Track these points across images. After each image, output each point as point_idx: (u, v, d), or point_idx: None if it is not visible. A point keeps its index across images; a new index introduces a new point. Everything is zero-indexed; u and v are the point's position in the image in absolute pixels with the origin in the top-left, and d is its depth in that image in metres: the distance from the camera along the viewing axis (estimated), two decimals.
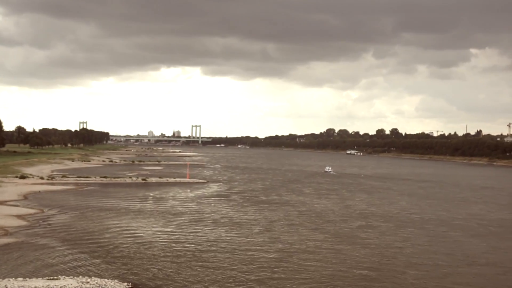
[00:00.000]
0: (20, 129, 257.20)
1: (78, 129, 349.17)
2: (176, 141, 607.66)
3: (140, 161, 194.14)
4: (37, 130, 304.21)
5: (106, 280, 33.98)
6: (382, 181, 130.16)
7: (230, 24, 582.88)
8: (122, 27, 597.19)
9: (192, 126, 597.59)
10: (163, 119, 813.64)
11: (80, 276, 34.42)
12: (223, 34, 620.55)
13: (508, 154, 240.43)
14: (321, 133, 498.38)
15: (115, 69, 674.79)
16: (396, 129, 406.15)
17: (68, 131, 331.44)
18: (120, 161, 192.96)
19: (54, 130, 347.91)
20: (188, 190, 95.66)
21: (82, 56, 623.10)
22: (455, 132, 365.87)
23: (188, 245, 46.82)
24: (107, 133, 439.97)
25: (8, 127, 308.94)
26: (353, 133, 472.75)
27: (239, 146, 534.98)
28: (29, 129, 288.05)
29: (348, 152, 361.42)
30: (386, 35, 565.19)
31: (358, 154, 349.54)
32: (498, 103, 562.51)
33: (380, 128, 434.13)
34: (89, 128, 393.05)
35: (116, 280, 34.25)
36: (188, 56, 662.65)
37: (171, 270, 38.05)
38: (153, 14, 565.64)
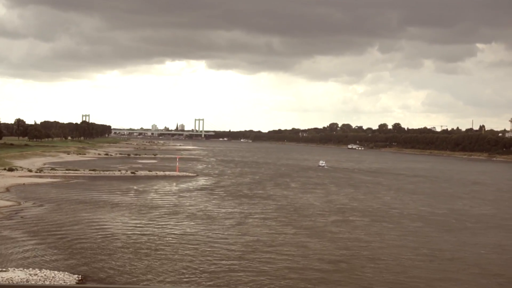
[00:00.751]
0: (19, 122, 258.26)
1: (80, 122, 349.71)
2: (179, 134, 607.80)
3: (136, 154, 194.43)
4: (38, 123, 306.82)
5: (56, 272, 34.00)
6: (374, 175, 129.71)
7: (235, 18, 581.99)
8: (127, 20, 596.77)
9: (195, 119, 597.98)
10: (167, 113, 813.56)
11: (31, 268, 34.39)
12: (228, 27, 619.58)
13: (508, 149, 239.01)
14: (324, 127, 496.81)
15: (119, 62, 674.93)
16: (398, 124, 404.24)
17: (69, 124, 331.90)
18: (116, 154, 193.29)
19: (56, 122, 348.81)
20: (174, 184, 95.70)
21: (86, 48, 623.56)
22: (457, 127, 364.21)
23: (153, 238, 46.79)
24: (109, 126, 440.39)
25: (12, 119, 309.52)
26: (356, 127, 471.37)
27: (241, 140, 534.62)
28: (33, 121, 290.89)
29: (349, 146, 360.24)
30: (392, 29, 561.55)
31: (360, 148, 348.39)
32: (505, 98, 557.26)
33: (386, 122, 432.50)
34: (92, 121, 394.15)
35: (66, 272, 34.27)
36: (193, 50, 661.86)
37: (128, 262, 38.03)
38: (157, 7, 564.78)
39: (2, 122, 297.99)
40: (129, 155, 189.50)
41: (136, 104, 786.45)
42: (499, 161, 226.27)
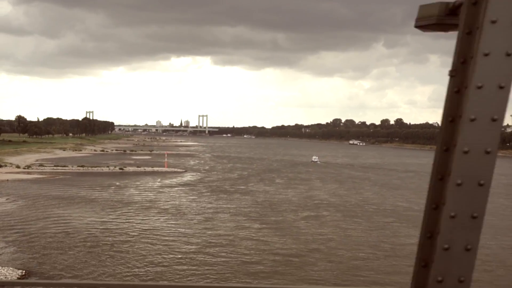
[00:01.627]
0: (20, 119, 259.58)
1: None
2: (183, 131, 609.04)
3: (132, 150, 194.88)
4: (42, 120, 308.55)
5: None
6: (365, 171, 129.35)
7: (239, 14, 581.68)
8: (131, 16, 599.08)
9: (199, 116, 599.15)
10: (172, 109, 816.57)
11: None
12: (232, 23, 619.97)
13: (508, 144, 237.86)
14: (327, 123, 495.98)
15: (125, 58, 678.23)
16: (400, 119, 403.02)
17: (71, 121, 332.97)
18: (113, 150, 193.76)
19: (58, 119, 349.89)
20: (159, 179, 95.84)
21: (92, 45, 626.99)
22: None
23: (114, 234, 46.95)
24: (112, 123, 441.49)
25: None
26: (359, 123, 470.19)
27: (245, 136, 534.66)
28: (38, 118, 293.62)
29: (351, 142, 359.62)
30: (396, 25, 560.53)
31: (361, 144, 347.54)
32: None
33: (393, 118, 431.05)
34: (97, 117, 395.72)
35: (11, 267, 34.49)
36: (198, 46, 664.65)
37: (78, 259, 38.21)
38: (162, 3, 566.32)
39: (7, 119, 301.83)
40: (125, 151, 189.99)
41: (141, 101, 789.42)
42: (498, 156, 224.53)
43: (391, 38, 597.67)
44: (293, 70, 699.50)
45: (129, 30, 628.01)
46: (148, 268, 35.95)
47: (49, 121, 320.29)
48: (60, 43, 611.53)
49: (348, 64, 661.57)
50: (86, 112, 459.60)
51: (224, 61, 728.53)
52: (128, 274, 34.36)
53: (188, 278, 33.30)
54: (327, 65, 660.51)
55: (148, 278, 33.30)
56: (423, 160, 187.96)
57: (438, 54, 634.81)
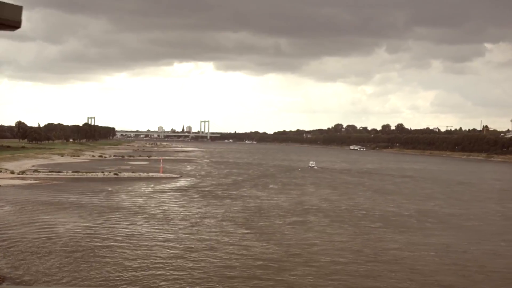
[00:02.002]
0: (20, 124, 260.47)
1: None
2: (185, 136, 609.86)
3: (130, 156, 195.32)
4: (43, 125, 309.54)
5: None
6: (360, 176, 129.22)
7: (242, 19, 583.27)
8: (134, 22, 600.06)
9: (201, 121, 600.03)
10: (175, 115, 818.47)
11: None
12: (235, 29, 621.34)
13: (506, 149, 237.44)
14: (328, 128, 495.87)
15: (127, 64, 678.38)
16: (401, 125, 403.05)
17: (72, 126, 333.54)
18: (111, 156, 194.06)
19: (59, 125, 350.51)
20: (152, 185, 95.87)
21: (94, 51, 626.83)
22: (460, 128, 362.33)
23: (96, 239, 46.91)
24: (113, 128, 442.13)
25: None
26: (361, 128, 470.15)
27: (246, 141, 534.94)
28: (40, 124, 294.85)
29: (351, 147, 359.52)
30: (399, 30, 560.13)
31: (361, 149, 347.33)
32: None
33: (396, 123, 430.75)
34: (99, 123, 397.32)
35: None
36: (200, 51, 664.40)
37: (56, 264, 38.17)
38: (165, 8, 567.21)
39: (8, 125, 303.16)
40: (123, 156, 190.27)
41: (144, 106, 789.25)
42: (497, 161, 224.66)
43: (393, 43, 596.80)
44: (295, 75, 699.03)
45: (132, 35, 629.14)
46: (124, 273, 35.90)
47: (49, 127, 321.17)
48: (62, 48, 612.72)
49: (351, 69, 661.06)
50: (88, 118, 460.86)
51: (226, 66, 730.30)
52: (102, 279, 34.33)
53: (161, 284, 33.28)
54: (330, 70, 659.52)
55: (122, 283, 33.29)
56: (421, 165, 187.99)
57: (441, 59, 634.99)
